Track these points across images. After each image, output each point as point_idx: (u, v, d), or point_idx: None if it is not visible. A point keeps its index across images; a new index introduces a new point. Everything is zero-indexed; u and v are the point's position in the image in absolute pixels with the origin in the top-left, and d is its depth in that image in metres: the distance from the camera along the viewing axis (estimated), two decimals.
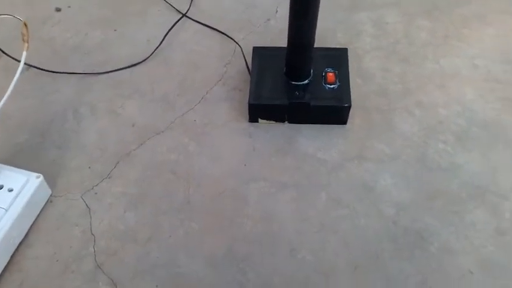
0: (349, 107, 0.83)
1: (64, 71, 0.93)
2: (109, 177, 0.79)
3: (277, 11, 1.05)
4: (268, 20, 1.04)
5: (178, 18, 1.03)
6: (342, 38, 1.00)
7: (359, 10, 1.04)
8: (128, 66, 0.96)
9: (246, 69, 0.94)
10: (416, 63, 0.95)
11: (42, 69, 0.91)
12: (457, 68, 0.93)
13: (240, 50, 0.97)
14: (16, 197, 0.69)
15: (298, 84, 0.86)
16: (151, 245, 0.72)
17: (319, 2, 0.74)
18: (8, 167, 0.72)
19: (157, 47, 0.98)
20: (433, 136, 0.84)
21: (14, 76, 0.78)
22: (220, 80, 0.94)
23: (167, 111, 0.89)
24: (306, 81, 0.87)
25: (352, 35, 1.00)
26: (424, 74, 0.93)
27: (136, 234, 0.73)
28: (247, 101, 0.85)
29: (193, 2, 1.06)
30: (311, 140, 0.84)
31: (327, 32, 0.99)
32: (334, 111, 0.85)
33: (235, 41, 0.99)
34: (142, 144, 0.84)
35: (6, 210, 0.67)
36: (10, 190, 0.69)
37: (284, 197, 0.78)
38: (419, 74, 0.93)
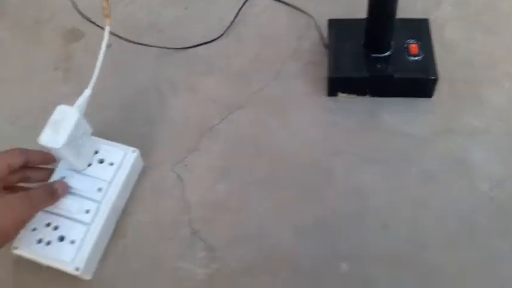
0: (436, 80, 0.83)
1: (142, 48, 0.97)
2: (196, 151, 0.82)
3: None
4: None
5: None
6: (421, 7, 0.98)
7: None
8: (203, 43, 0.98)
9: (320, 43, 0.94)
10: (502, 33, 0.92)
11: (126, 39, 0.94)
12: None
13: (312, 22, 0.97)
14: (117, 170, 0.74)
15: (379, 56, 0.86)
16: (242, 215, 0.75)
17: None
18: (106, 141, 0.77)
19: (230, 24, 1.00)
20: None
21: (94, 55, 0.83)
22: (294, 54, 0.95)
23: (244, 87, 0.91)
24: (388, 53, 0.86)
25: (431, 4, 0.98)
26: None
27: (227, 205, 0.76)
28: (324, 75, 0.86)
29: None
30: (396, 114, 0.84)
31: (405, 2, 0.98)
32: (419, 84, 0.84)
33: (307, 14, 0.99)
34: (223, 119, 0.87)
35: (110, 183, 0.73)
36: (111, 164, 0.74)
37: (371, 171, 0.78)
38: (506, 44, 0.91)
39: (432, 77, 0.83)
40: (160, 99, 0.90)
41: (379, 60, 0.86)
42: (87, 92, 0.74)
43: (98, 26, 0.91)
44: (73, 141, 0.67)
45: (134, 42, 0.96)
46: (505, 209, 0.72)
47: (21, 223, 0.62)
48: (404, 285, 0.69)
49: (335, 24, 0.92)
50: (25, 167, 0.69)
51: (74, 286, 0.71)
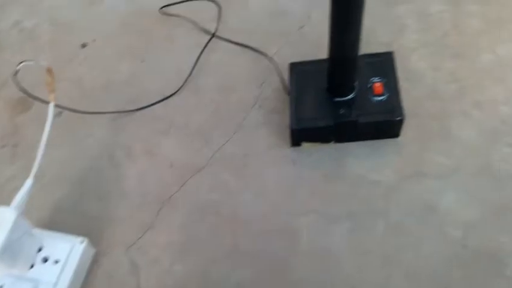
0: (402, 120, 0.80)
1: (95, 111, 0.94)
2: (152, 227, 0.80)
3: (309, 17, 1.03)
4: (302, 27, 1.01)
5: (207, 38, 1.01)
6: (384, 36, 0.95)
7: (397, 3, 1.00)
8: (161, 100, 0.96)
9: (282, 88, 0.92)
10: (469, 57, 0.90)
11: (74, 110, 0.91)
12: None
13: (274, 66, 0.95)
14: (63, 268, 0.70)
15: (342, 100, 0.84)
16: None
17: (363, 11, 0.71)
18: (50, 233, 0.74)
19: (188, 76, 0.98)
20: (496, 139, 0.79)
21: (43, 127, 0.79)
22: (256, 103, 0.93)
23: (204, 146, 0.89)
24: (351, 96, 0.84)
25: (394, 32, 0.96)
26: (480, 68, 0.88)
27: None
28: (286, 124, 0.84)
29: (220, 19, 1.04)
30: (362, 159, 0.82)
31: (367, 32, 0.95)
32: (385, 126, 0.82)
33: (268, 57, 0.97)
34: (182, 185, 0.84)
35: (56, 284, 0.69)
36: (56, 262, 0.71)
37: (339, 229, 0.76)
38: (474, 69, 0.88)
39: (398, 118, 0.80)
40: (115, 168, 0.88)
41: (343, 105, 0.83)
42: (28, 184, 0.70)
43: (43, 101, 0.89)
44: (9, 247, 0.64)
45: (84, 112, 0.93)
46: (480, 256, 0.69)
47: None
48: None
49: (296, 68, 0.89)
50: None
51: None
